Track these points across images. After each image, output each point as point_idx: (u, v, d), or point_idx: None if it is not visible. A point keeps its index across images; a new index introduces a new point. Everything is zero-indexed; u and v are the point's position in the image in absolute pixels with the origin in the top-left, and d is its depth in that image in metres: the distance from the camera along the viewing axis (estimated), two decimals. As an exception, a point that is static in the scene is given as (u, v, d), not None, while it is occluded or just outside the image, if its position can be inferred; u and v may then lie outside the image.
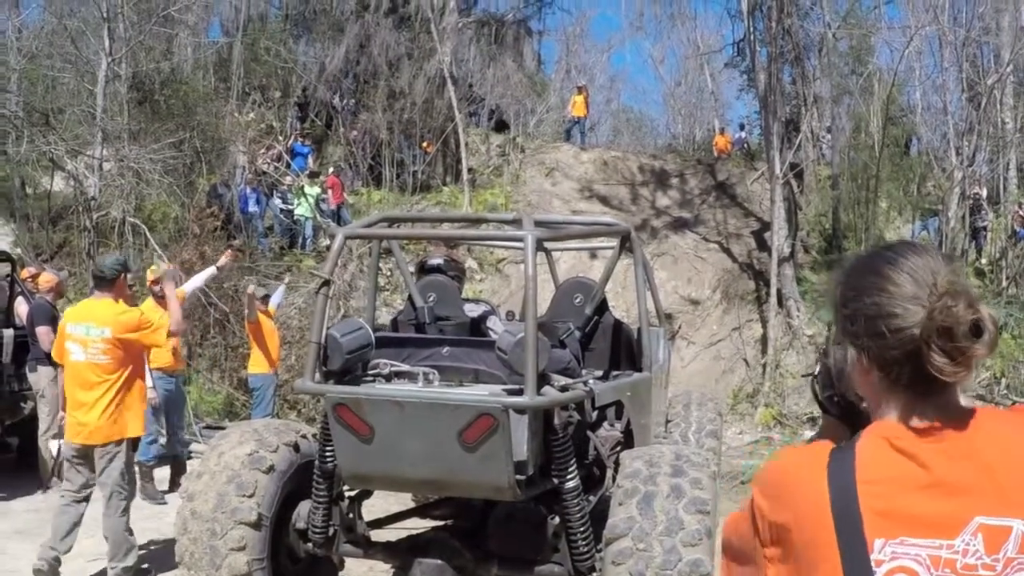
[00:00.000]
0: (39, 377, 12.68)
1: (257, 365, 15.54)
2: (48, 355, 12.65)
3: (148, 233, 20.29)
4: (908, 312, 2.01)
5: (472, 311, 9.40)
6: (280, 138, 28.29)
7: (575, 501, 7.39)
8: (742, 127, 40.99)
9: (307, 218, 25.17)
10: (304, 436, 8.51)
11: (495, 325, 9.11)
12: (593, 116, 52.25)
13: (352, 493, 8.27)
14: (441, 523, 9.05)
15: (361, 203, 28.80)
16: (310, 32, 34.12)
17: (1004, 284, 23.42)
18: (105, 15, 21.23)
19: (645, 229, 29.38)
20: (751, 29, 28.80)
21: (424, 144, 31.89)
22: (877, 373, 2.08)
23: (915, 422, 2.04)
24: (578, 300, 9.61)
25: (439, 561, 7.79)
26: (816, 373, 2.52)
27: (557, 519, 7.59)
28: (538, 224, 8.38)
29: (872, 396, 2.15)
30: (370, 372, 7.67)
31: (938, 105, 28.40)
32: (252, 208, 24.12)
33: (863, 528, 1.96)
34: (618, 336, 9.82)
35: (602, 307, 9.79)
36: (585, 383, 7.88)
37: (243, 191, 24.06)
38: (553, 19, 73.50)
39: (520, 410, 7.00)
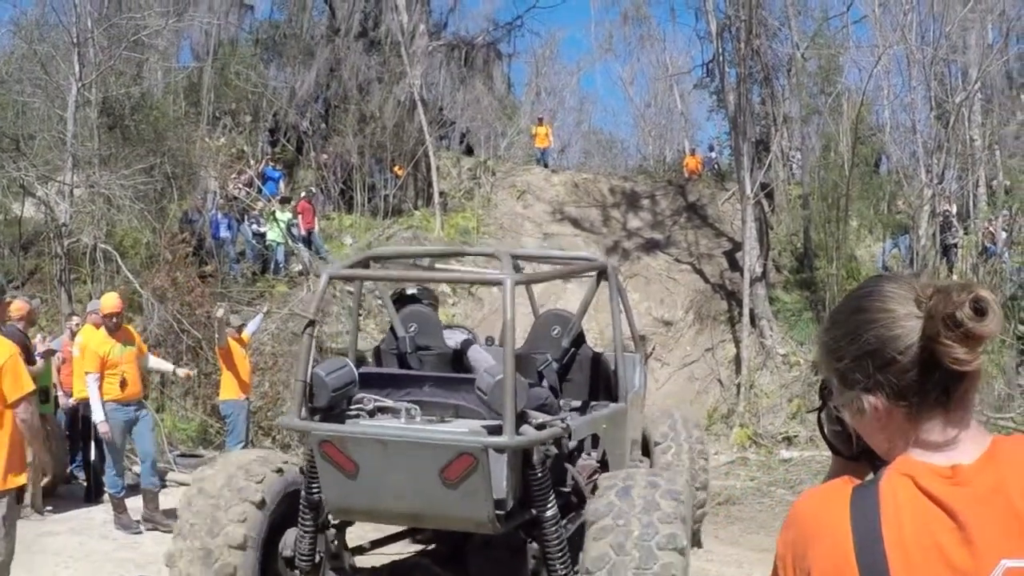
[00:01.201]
0: (11, 406, 12.58)
1: (228, 391, 15.54)
2: (20, 385, 12.61)
3: (120, 259, 20.15)
4: (907, 329, 1.99)
5: (452, 338, 10.02)
6: (251, 163, 28.22)
7: (553, 529, 7.73)
8: (711, 148, 41.19)
9: (279, 243, 25.08)
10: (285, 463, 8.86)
11: (477, 355, 9.57)
12: (563, 138, 52.50)
13: (336, 522, 8.55)
14: (421, 548, 9.36)
15: (332, 228, 28.78)
16: (280, 56, 34.10)
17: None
18: (75, 40, 21.11)
19: (617, 251, 29.46)
20: (720, 50, 28.99)
21: (395, 168, 31.88)
22: (898, 407, 2.03)
23: (938, 457, 2.00)
24: (556, 332, 9.89)
25: None
26: (820, 408, 2.44)
27: (535, 544, 7.94)
28: (517, 258, 9.30)
29: (892, 438, 2.09)
30: (354, 407, 8.00)
31: (907, 123, 28.51)
32: (224, 234, 24.02)
33: (889, 574, 1.92)
34: (595, 366, 10.15)
35: (579, 339, 10.15)
36: (563, 420, 8.20)
37: (215, 217, 23.96)
38: (523, 42, 73.67)
39: (500, 449, 7.32)
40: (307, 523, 8.19)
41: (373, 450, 7.58)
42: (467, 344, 9.92)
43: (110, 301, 12.47)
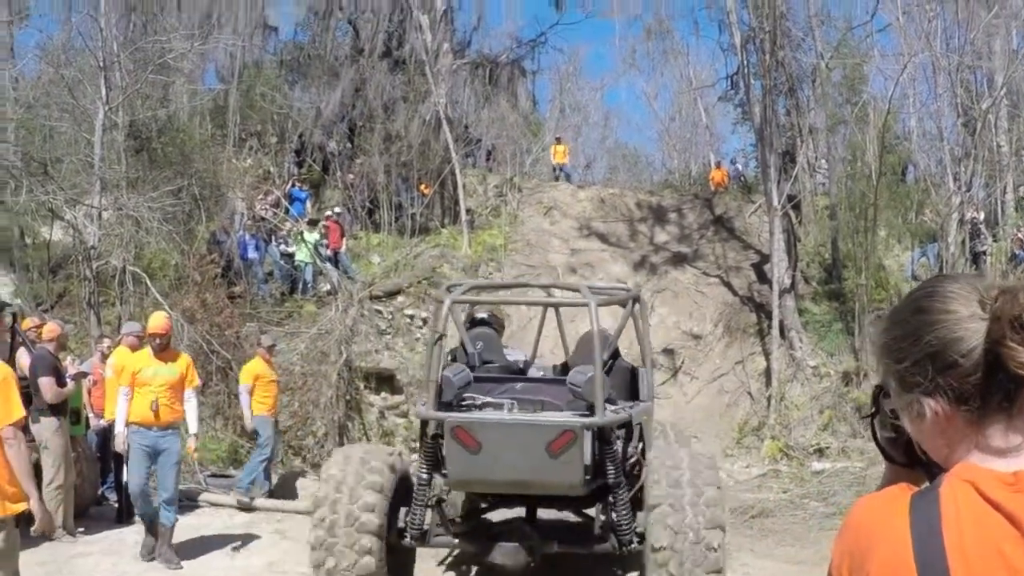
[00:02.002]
0: (42, 428, 12.60)
1: (256, 407, 16.13)
2: (52, 406, 12.62)
3: (148, 281, 20.23)
4: (970, 331, 1.94)
5: (512, 355, 12.59)
6: (277, 183, 28.31)
7: (620, 492, 10.07)
8: (733, 161, 41.13)
9: (307, 263, 25.13)
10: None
11: (533, 371, 12.35)
12: (588, 154, 52.51)
13: (446, 496, 10.91)
14: (510, 515, 11.25)
15: (360, 247, 28.82)
16: (305, 77, 34.19)
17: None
18: (102, 64, 21.26)
19: (644, 265, 29.42)
20: (744, 62, 28.92)
21: (421, 186, 31.92)
22: (959, 410, 1.98)
23: (1000, 463, 1.95)
24: None
25: (514, 543, 10.29)
26: (874, 413, 2.36)
27: (602, 506, 10.33)
28: (571, 289, 13.88)
29: (952, 444, 2.03)
30: (467, 401, 10.18)
31: (933, 131, 28.46)
32: (252, 255, 24.07)
33: None
34: (627, 375, 12.09)
35: (615, 353, 11.96)
36: (627, 409, 10.78)
37: (242, 238, 24.02)
38: (546, 58, 73.75)
39: (592, 427, 9.69)
40: (419, 499, 10.21)
41: (495, 431, 9.68)
42: (527, 364, 12.68)
43: (157, 321, 12.33)
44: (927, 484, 2.03)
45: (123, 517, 13.79)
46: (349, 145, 33.11)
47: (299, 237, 25.27)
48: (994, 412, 1.95)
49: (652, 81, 55.48)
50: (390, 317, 24.61)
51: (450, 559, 12.62)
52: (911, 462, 2.23)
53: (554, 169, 37.83)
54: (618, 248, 30.48)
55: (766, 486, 20.21)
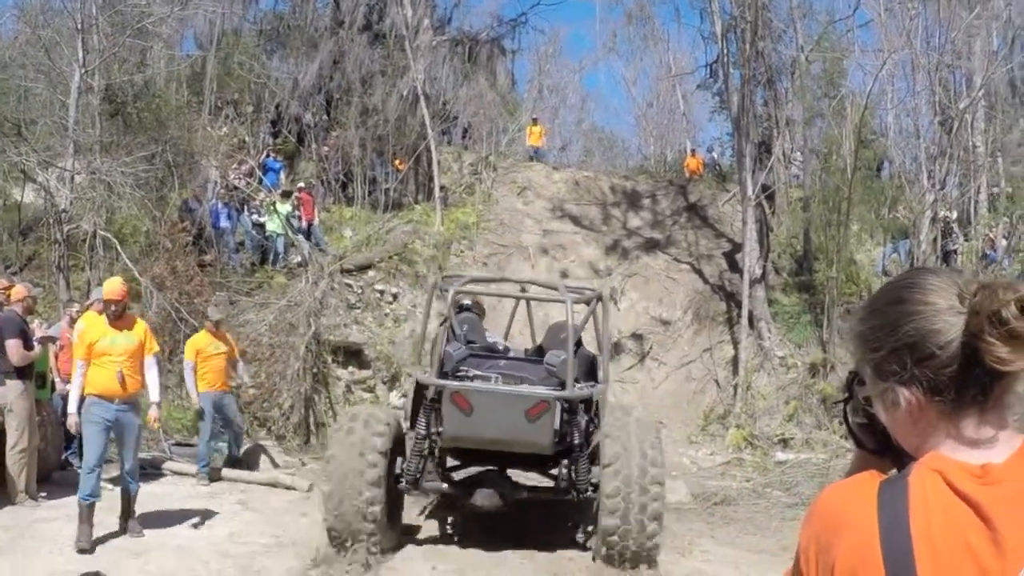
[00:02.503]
0: (7, 391, 12.55)
1: (199, 383, 16.10)
2: (17, 369, 12.56)
3: (119, 247, 20.11)
4: (950, 324, 1.96)
5: (492, 338, 14.71)
6: (252, 153, 28.16)
7: (580, 452, 12.17)
8: (710, 149, 41.12)
9: (279, 235, 25.03)
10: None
11: (512, 353, 14.17)
12: (565, 136, 52.41)
13: (438, 449, 12.75)
14: (485, 468, 13.28)
15: (332, 220, 28.74)
16: (284, 48, 34.04)
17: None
18: (79, 26, 21.05)
19: (616, 249, 29.46)
20: (724, 51, 28.89)
21: (396, 162, 31.83)
22: (933, 401, 2.00)
23: (969, 454, 1.97)
24: (563, 336, 12.99)
25: (491, 489, 12.43)
26: (847, 399, 2.38)
27: (566, 462, 12.41)
28: (544, 286, 17.35)
29: (923, 433, 2.05)
30: (460, 373, 12.23)
31: (910, 128, 28.53)
32: (224, 224, 23.95)
33: (916, 570, 1.89)
34: (586, 361, 13.84)
35: (579, 342, 13.49)
36: (590, 387, 12.84)
37: (215, 206, 23.89)
38: (526, 38, 73.64)
39: (561, 399, 11.82)
40: (416, 451, 12.19)
41: (485, 398, 11.79)
42: (506, 347, 14.68)
43: (111, 286, 11.74)
44: (896, 472, 2.06)
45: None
46: (325, 117, 33.01)
47: (272, 208, 25.15)
48: (968, 405, 1.98)
49: (631, 66, 55.38)
50: (360, 291, 24.55)
51: (429, 508, 14.82)
52: (881, 449, 2.26)
53: (530, 152, 37.48)
54: (591, 231, 30.50)
55: (729, 474, 20.30)
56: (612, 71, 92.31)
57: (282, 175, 28.93)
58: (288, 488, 15.36)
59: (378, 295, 24.93)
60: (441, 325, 14.02)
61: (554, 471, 13.03)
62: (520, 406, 11.68)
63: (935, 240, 25.05)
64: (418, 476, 12.29)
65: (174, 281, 20.25)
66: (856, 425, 2.31)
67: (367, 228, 28.02)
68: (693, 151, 40.65)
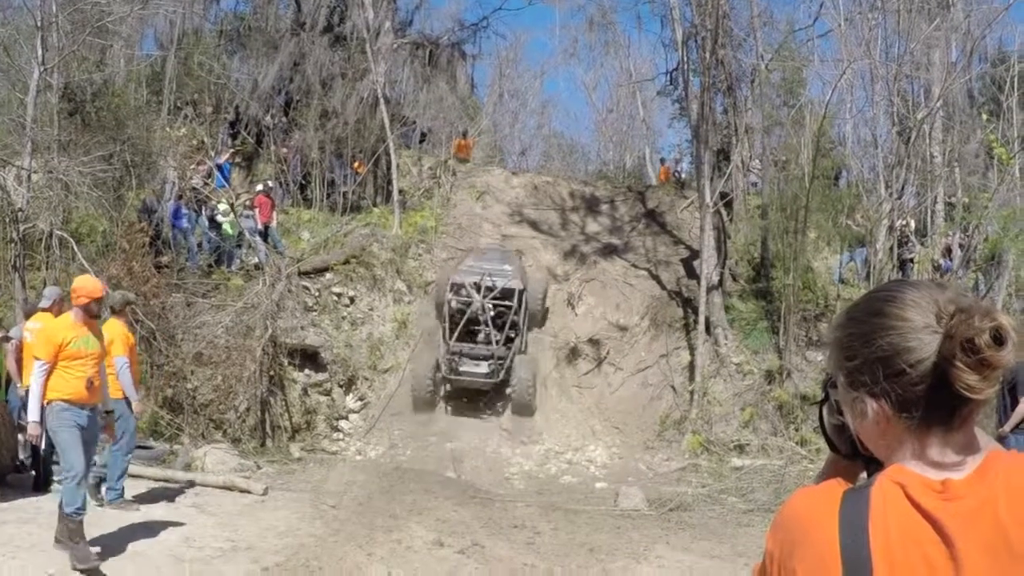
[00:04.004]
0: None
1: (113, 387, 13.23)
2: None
3: (76, 246, 19.96)
4: (924, 342, 1.97)
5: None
6: (211, 153, 28.04)
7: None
8: (663, 161, 41.26)
9: (233, 236, 24.94)
10: None
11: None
12: (524, 141, 52.52)
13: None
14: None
15: (290, 222, 28.67)
16: (244, 48, 33.95)
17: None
18: (39, 24, 20.85)
19: (574, 254, 29.51)
20: (685, 59, 29.06)
21: (355, 164, 31.78)
22: (900, 417, 2.02)
23: (933, 472, 1.99)
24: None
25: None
26: (824, 400, 2.39)
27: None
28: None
29: (890, 445, 2.08)
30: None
31: (868, 138, 28.76)
32: (183, 225, 23.83)
33: None
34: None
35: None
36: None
37: (176, 207, 23.76)
38: (488, 43, 73.71)
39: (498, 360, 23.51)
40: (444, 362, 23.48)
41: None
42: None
43: (92, 284, 10.99)
44: (863, 479, 2.11)
45: (40, 485, 13.59)
46: (285, 119, 32.90)
47: (229, 209, 25.06)
48: (935, 424, 2.00)
49: (592, 72, 55.62)
50: (317, 294, 24.51)
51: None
52: (853, 452, 2.28)
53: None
54: (549, 236, 30.54)
55: (685, 480, 20.34)
56: (572, 77, 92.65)
57: (232, 177, 28.76)
58: (243, 491, 15.28)
59: (335, 298, 24.90)
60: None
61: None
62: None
63: (892, 248, 25.23)
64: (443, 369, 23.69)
65: (131, 282, 20.07)
66: (831, 427, 2.33)
67: (325, 230, 27.99)
68: (663, 160, 40.76)
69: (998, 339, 1.92)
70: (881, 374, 2.02)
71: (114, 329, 12.98)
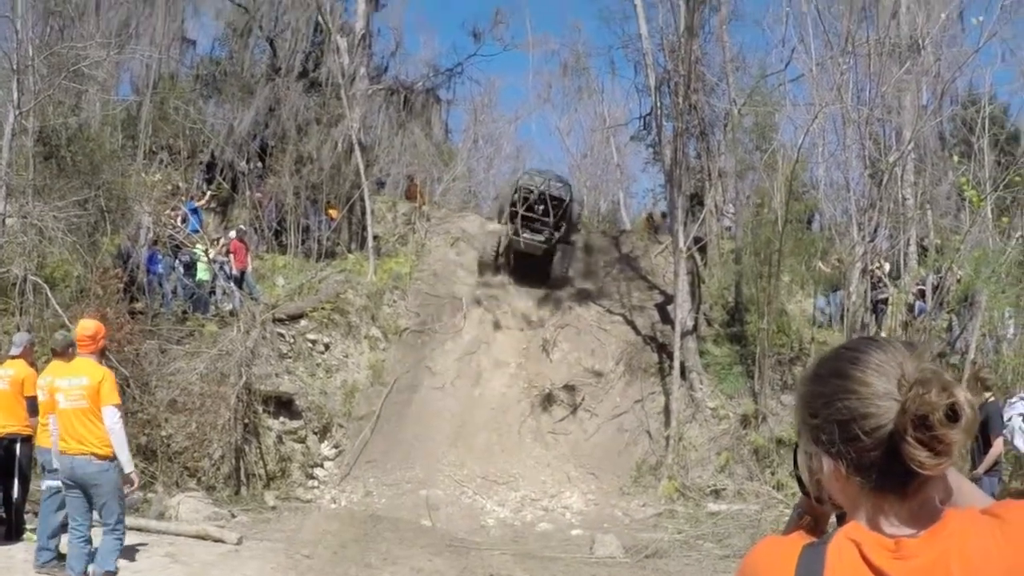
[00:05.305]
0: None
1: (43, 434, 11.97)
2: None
3: (49, 292, 19.84)
4: (882, 409, 1.97)
5: None
6: (185, 198, 28.01)
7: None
8: (665, 215, 41.36)
9: (207, 281, 24.89)
10: None
11: None
12: (499, 186, 52.74)
13: None
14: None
15: (265, 268, 28.61)
16: (220, 93, 34.02)
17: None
18: (15, 67, 20.83)
19: (549, 300, 29.54)
20: (658, 104, 29.20)
21: (330, 210, 31.79)
22: (856, 479, 2.02)
23: (888, 529, 1.99)
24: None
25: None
26: (798, 444, 2.40)
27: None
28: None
29: (849, 501, 2.08)
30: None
31: (840, 181, 28.80)
32: (159, 270, 23.77)
33: None
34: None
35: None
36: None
37: (148, 253, 23.69)
38: (462, 88, 73.97)
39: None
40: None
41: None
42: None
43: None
44: (833, 523, 2.12)
45: (12, 535, 13.42)
46: (260, 164, 32.91)
47: (204, 254, 25.02)
48: (889, 490, 2.00)
49: (566, 117, 55.83)
50: (292, 341, 24.42)
51: None
52: (824, 498, 2.27)
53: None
54: (523, 283, 30.58)
55: (661, 526, 20.28)
56: (547, 122, 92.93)
57: (202, 222, 28.69)
58: (217, 540, 15.17)
59: (310, 345, 24.81)
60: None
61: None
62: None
63: (866, 292, 25.32)
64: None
65: (105, 328, 19.97)
66: (805, 470, 2.31)
67: (300, 277, 27.95)
68: (651, 216, 40.85)
69: (952, 416, 1.92)
70: (838, 436, 2.02)
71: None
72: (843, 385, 2.05)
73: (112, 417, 10.20)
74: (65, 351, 12.11)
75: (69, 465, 10.30)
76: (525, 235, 30.56)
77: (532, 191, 31.15)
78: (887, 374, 2.02)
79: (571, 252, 31.75)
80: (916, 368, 2.01)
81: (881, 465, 1.98)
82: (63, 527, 11.32)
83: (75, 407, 10.33)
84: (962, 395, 1.94)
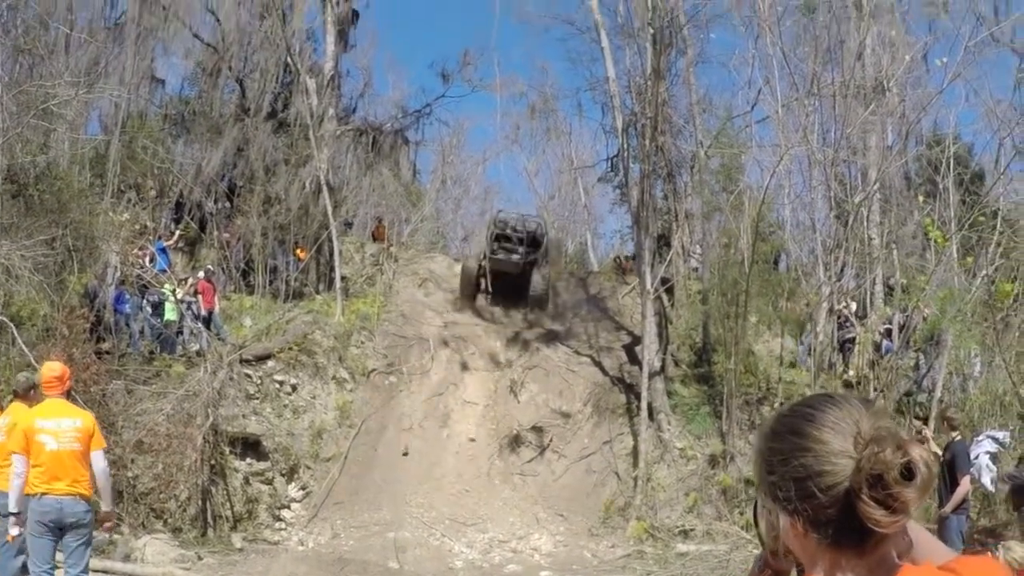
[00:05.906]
0: None
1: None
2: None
3: (16, 331, 19.72)
4: (837, 467, 1.98)
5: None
6: (153, 238, 27.91)
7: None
8: (625, 258, 41.52)
9: (174, 321, 24.78)
10: None
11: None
12: (467, 227, 52.86)
13: None
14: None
15: (233, 308, 28.52)
16: (189, 133, 33.99)
17: (872, 396, 23.77)
18: (-16, 106, 20.84)
19: (517, 341, 29.54)
20: (625, 145, 29.34)
21: (298, 250, 31.75)
22: (813, 535, 2.03)
23: None
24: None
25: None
26: (757, 501, 2.40)
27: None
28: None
29: (807, 557, 2.09)
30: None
31: (807, 222, 29.04)
32: (126, 310, 23.65)
33: None
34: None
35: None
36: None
37: (117, 293, 23.58)
38: (430, 130, 74.11)
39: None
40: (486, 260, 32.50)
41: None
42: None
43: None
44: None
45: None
46: (228, 204, 32.85)
47: (172, 294, 24.93)
48: (847, 546, 2.01)
49: (534, 158, 55.96)
50: (259, 382, 24.31)
51: None
52: (780, 552, 2.27)
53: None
54: (491, 323, 30.60)
55: (630, 567, 20.25)
56: (515, 163, 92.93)
57: (169, 257, 28.61)
58: (183, 583, 15.08)
59: (277, 386, 24.70)
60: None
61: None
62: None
63: (833, 331, 25.44)
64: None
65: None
66: (764, 524, 2.32)
67: (267, 317, 27.86)
68: (625, 257, 40.97)
69: (907, 475, 1.93)
70: (795, 493, 2.03)
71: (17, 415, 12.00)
72: (799, 443, 2.05)
73: (104, 460, 10.28)
74: (27, 393, 11.92)
75: (57, 506, 10.16)
76: (500, 255, 32.12)
77: (507, 223, 33.45)
78: (843, 432, 2.02)
79: (548, 275, 32.97)
80: (872, 426, 2.02)
81: (838, 522, 1.99)
82: (23, 571, 11.12)
83: (70, 449, 10.26)
84: (917, 454, 1.96)
